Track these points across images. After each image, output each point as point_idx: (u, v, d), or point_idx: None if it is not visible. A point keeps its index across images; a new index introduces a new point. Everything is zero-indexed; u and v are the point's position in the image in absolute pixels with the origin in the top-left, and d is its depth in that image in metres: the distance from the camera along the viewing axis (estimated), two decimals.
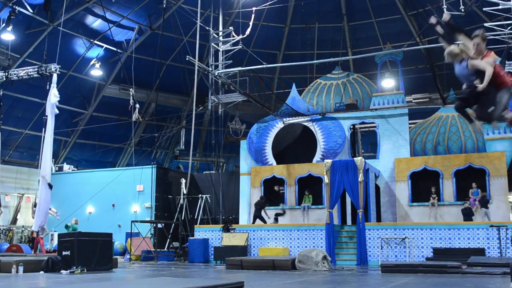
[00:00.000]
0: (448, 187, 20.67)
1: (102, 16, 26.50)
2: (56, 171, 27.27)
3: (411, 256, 16.98)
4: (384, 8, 29.67)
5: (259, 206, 20.72)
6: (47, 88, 17.87)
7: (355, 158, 18.78)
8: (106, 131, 30.96)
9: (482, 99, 6.26)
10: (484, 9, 19.57)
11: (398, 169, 21.54)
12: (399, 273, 12.41)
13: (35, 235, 20.61)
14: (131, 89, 22.95)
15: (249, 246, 19.09)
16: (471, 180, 19.98)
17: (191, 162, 22.38)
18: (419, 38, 26.63)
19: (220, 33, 22.69)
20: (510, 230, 16.26)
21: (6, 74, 19.52)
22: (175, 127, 31.44)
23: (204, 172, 28.97)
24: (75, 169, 29.19)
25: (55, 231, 23.13)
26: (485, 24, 18.31)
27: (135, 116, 23.68)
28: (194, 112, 20.06)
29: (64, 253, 13.20)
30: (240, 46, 21.84)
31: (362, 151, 26.91)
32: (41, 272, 12.70)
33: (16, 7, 23.31)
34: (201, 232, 20.25)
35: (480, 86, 6.05)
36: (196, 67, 19.93)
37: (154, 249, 20.34)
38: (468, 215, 18.76)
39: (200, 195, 25.56)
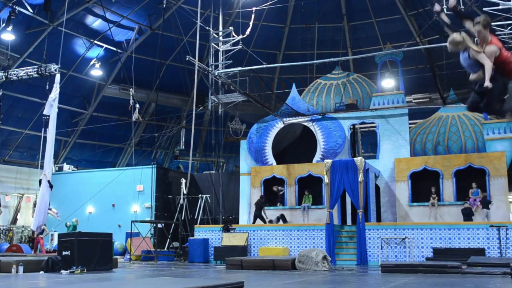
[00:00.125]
0: (448, 187, 20.67)
1: (102, 16, 26.50)
2: (56, 171, 27.26)
3: (411, 256, 16.98)
4: (384, 8, 29.67)
5: (259, 206, 20.72)
6: (47, 88, 17.87)
7: (355, 158, 18.78)
8: (106, 131, 30.96)
9: (491, 91, 5.79)
10: (484, 9, 19.55)
11: (398, 169, 21.54)
12: (399, 273, 12.41)
13: (35, 235, 20.64)
14: (131, 89, 22.95)
15: (249, 246, 19.09)
16: (471, 180, 19.97)
17: (191, 162, 22.37)
18: (419, 38, 26.64)
19: (220, 33, 22.70)
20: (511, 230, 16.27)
21: (6, 74, 19.52)
22: (175, 127, 31.44)
23: (204, 172, 28.97)
24: (75, 169, 29.19)
25: (55, 231, 23.14)
26: None
27: (135, 116, 23.68)
28: (194, 112, 20.05)
29: (64, 253, 13.20)
30: (240, 46, 21.84)
31: (362, 151, 26.90)
32: (41, 272, 12.70)
33: (16, 7, 23.32)
34: (201, 232, 20.25)
35: (485, 84, 5.66)
36: (196, 67, 19.92)
37: (154, 249, 20.34)
38: (468, 215, 18.76)
39: (200, 195, 25.56)
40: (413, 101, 26.60)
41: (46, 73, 18.30)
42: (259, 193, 22.44)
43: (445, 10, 6.28)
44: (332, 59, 22.31)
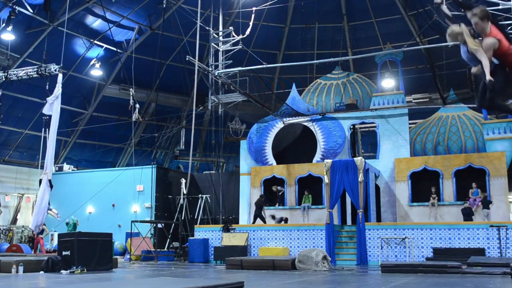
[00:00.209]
0: (448, 187, 20.67)
1: (102, 16, 26.51)
2: (56, 171, 27.25)
3: (411, 256, 16.98)
4: (384, 8, 29.67)
5: (259, 205, 20.72)
6: (47, 88, 17.88)
7: (355, 158, 18.78)
8: (106, 131, 30.97)
9: (493, 85, 5.44)
10: None
11: (398, 169, 21.54)
12: (399, 273, 12.40)
13: (34, 235, 20.63)
14: (131, 89, 22.96)
15: (249, 246, 19.09)
16: (471, 180, 19.97)
17: (191, 162, 22.37)
18: (419, 38, 26.65)
19: (220, 33, 22.70)
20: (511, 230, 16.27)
21: (6, 74, 19.52)
22: (175, 127, 31.44)
23: (204, 172, 28.97)
24: (75, 169, 29.20)
25: (55, 231, 23.13)
26: None
27: (135, 116, 23.69)
28: (194, 112, 20.06)
29: (64, 253, 13.20)
30: (240, 46, 21.85)
31: (362, 151, 26.90)
32: (41, 272, 12.69)
33: (16, 7, 23.32)
34: (201, 232, 20.25)
35: (487, 81, 5.32)
36: (196, 67, 19.93)
37: (154, 249, 20.33)
38: (468, 215, 18.76)
39: (200, 195, 25.56)
40: (413, 101, 26.61)
41: (46, 73, 18.31)
42: (259, 193, 22.43)
43: (444, 1, 5.98)
44: (332, 59, 22.30)
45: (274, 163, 23.68)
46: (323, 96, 25.04)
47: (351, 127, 23.84)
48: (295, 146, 24.09)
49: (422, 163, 21.22)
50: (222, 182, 23.46)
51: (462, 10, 5.85)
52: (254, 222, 20.75)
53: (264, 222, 20.50)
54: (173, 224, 23.78)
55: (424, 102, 27.02)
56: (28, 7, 24.53)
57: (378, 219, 21.08)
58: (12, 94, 25.69)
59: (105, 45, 28.95)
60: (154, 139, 29.06)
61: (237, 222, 23.04)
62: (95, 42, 28.59)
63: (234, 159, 31.52)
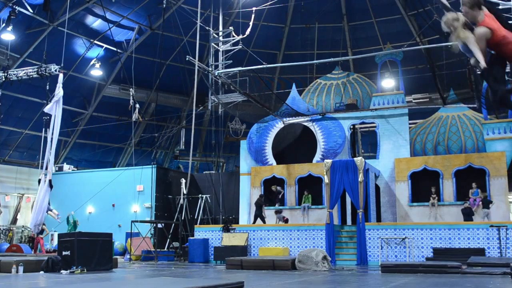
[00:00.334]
0: (448, 187, 20.67)
1: (102, 16, 26.51)
2: (56, 171, 27.25)
3: (411, 256, 16.98)
4: (384, 8, 29.68)
5: (259, 205, 20.72)
6: (47, 88, 17.88)
7: (355, 158, 18.78)
8: (106, 131, 30.97)
9: (498, 77, 5.10)
10: None
11: (398, 169, 21.54)
12: (399, 273, 12.40)
13: (35, 235, 20.63)
14: (131, 89, 22.97)
15: (249, 246, 19.09)
16: (471, 180, 19.97)
17: (191, 162, 22.37)
18: (419, 38, 26.65)
19: (220, 33, 22.70)
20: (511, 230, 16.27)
21: (6, 74, 19.52)
22: (175, 127, 31.44)
23: (204, 172, 28.97)
24: (75, 169, 29.20)
25: (55, 231, 23.14)
26: None
27: (135, 116, 23.70)
28: (194, 112, 20.06)
29: (64, 253, 13.20)
30: (240, 46, 21.85)
31: (362, 151, 26.90)
32: (41, 272, 12.69)
33: (16, 7, 23.32)
34: (201, 232, 20.25)
35: (481, 69, 4.97)
36: (196, 67, 19.93)
37: (154, 249, 20.33)
38: (468, 215, 18.75)
39: (200, 195, 25.56)
40: (413, 101, 26.62)
41: (46, 73, 18.30)
42: (259, 193, 22.43)
43: None
44: (332, 59, 22.30)
45: (274, 163, 23.68)
46: (323, 96, 25.04)
47: (351, 127, 23.84)
48: (295, 146, 24.09)
49: (422, 163, 21.22)
50: (222, 182, 23.45)
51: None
52: (254, 222, 20.75)
53: (264, 222, 20.49)
54: (173, 224, 23.79)
55: (424, 102, 27.02)
56: (28, 7, 24.53)
57: (378, 219, 21.08)
58: (12, 94, 25.69)
59: (105, 45, 28.95)
60: (154, 139, 29.06)
61: (237, 222, 23.04)
62: (95, 42, 28.58)
63: (234, 159, 31.52)
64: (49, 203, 17.49)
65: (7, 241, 26.01)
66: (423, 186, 21.07)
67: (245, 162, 24.58)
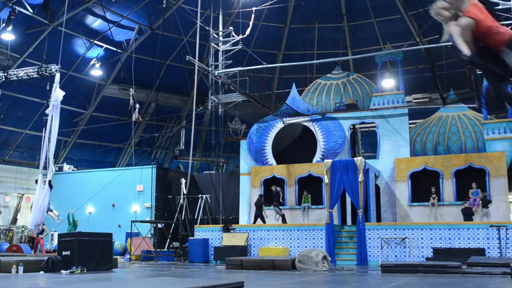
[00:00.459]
0: (448, 187, 20.67)
1: (102, 16, 26.50)
2: (56, 171, 27.24)
3: (411, 256, 16.98)
4: (384, 8, 29.67)
5: (259, 204, 20.72)
6: (48, 88, 17.87)
7: (355, 158, 18.78)
8: (106, 131, 30.97)
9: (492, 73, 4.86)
10: None
11: (398, 169, 21.54)
12: (399, 273, 12.40)
13: (35, 235, 20.62)
14: (131, 89, 22.96)
15: (249, 246, 19.09)
16: (471, 180, 19.97)
17: (191, 162, 22.37)
18: (419, 38, 26.64)
19: (220, 33, 22.69)
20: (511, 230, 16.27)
21: (6, 74, 19.51)
22: (175, 127, 31.44)
23: (204, 172, 28.97)
24: (75, 169, 29.20)
25: (55, 231, 23.14)
26: None
27: (135, 116, 23.69)
28: (194, 112, 20.05)
29: (64, 253, 13.20)
30: (240, 46, 21.84)
31: (362, 151, 26.90)
32: (41, 272, 12.70)
33: (16, 7, 23.31)
34: (201, 232, 20.25)
35: (463, 55, 4.66)
36: (196, 67, 19.93)
37: (154, 249, 20.33)
38: (468, 215, 18.75)
39: (200, 195, 25.56)
40: (413, 101, 26.61)
41: (47, 74, 18.29)
42: (259, 193, 22.42)
43: None
44: (332, 59, 22.30)
45: (274, 163, 23.68)
46: (323, 96, 25.04)
47: (351, 127, 23.84)
48: (295, 146, 24.10)
49: (422, 163, 21.22)
50: (222, 182, 23.44)
51: None
52: (254, 222, 20.74)
53: (264, 222, 20.49)
54: (173, 224, 23.79)
55: (424, 102, 27.01)
56: (28, 7, 24.52)
57: (378, 219, 21.07)
58: (12, 94, 25.68)
59: (105, 45, 28.95)
60: (154, 139, 29.06)
61: (237, 222, 23.04)
62: (95, 42, 28.58)
63: (234, 159, 31.52)
64: (49, 203, 17.47)
65: (7, 241, 26.01)
66: (423, 186, 21.07)
67: (245, 162, 24.58)
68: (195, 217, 24.87)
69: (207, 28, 22.43)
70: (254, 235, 19.33)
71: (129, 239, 20.65)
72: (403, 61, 24.35)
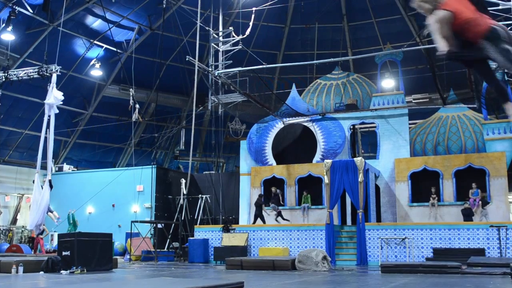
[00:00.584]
0: (448, 187, 20.67)
1: (102, 16, 26.50)
2: (56, 171, 27.27)
3: (411, 256, 16.98)
4: (384, 8, 29.68)
5: (259, 204, 20.72)
6: (48, 88, 17.86)
7: (355, 158, 18.78)
8: (106, 131, 30.96)
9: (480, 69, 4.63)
10: None
11: (398, 169, 21.54)
12: (399, 273, 12.41)
13: (35, 235, 20.61)
14: (131, 89, 22.96)
15: (249, 246, 19.09)
16: (471, 180, 19.97)
17: (191, 162, 22.38)
18: (419, 38, 26.62)
19: (220, 33, 22.69)
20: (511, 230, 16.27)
21: (6, 74, 19.51)
22: (175, 127, 31.44)
23: (204, 172, 28.97)
24: (75, 169, 29.20)
25: (55, 231, 23.13)
26: None
27: (135, 116, 23.69)
28: (194, 112, 20.06)
29: (64, 253, 13.20)
30: (240, 46, 21.83)
31: (362, 151, 26.90)
32: (41, 272, 12.69)
33: (16, 7, 23.31)
34: (201, 232, 20.24)
35: (441, 52, 4.46)
36: (196, 67, 19.93)
37: (154, 249, 20.33)
38: (468, 215, 18.76)
39: (200, 195, 25.55)
40: (413, 101, 26.61)
41: (47, 74, 18.29)
42: (259, 193, 22.42)
43: None
44: (332, 59, 22.31)
45: (274, 163, 23.67)
46: (323, 96, 25.04)
47: (351, 127, 23.84)
48: (295, 146, 24.10)
49: (422, 163, 21.22)
50: (222, 182, 23.44)
51: None
52: (254, 222, 20.74)
53: (264, 222, 20.49)
54: (173, 224, 23.78)
55: (424, 102, 27.01)
56: (28, 7, 24.52)
57: (378, 219, 21.07)
58: (12, 94, 25.67)
59: (105, 45, 28.94)
60: (154, 139, 29.06)
61: (237, 222, 23.04)
62: (95, 42, 28.57)
63: (234, 159, 31.52)
64: (49, 204, 17.42)
65: (7, 242, 26.01)
66: (423, 186, 21.07)
67: (245, 162, 24.58)
68: (195, 217, 24.87)
69: (207, 28, 22.43)
70: (254, 235, 19.33)
71: (129, 239, 20.65)
72: (403, 61, 24.35)
